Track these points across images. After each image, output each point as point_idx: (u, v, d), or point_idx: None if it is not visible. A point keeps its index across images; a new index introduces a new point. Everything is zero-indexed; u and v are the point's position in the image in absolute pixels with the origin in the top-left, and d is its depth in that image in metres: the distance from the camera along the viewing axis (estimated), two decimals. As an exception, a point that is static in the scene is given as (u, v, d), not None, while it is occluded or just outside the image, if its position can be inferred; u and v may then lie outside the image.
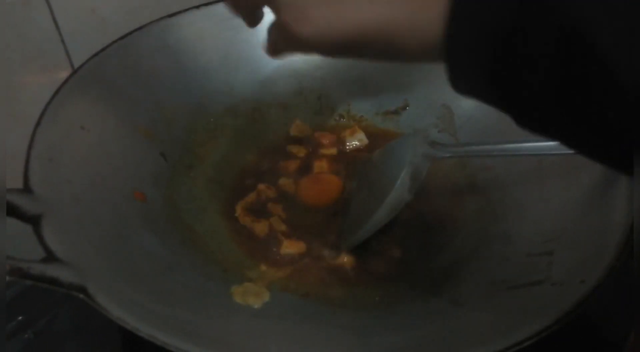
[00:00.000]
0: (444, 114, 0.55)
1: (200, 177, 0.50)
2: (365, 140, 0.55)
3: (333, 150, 0.54)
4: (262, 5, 0.33)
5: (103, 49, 0.48)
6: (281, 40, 0.33)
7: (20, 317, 0.44)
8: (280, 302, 0.38)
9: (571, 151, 0.26)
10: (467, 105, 0.53)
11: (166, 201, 0.45)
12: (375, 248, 0.44)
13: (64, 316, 0.44)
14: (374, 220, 0.40)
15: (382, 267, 0.43)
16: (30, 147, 0.39)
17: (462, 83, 0.26)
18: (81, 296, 0.30)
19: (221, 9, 0.55)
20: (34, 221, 0.33)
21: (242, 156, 0.53)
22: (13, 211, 0.33)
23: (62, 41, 0.52)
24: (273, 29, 0.34)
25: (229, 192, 0.50)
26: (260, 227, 0.46)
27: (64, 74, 0.46)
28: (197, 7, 0.54)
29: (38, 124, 0.41)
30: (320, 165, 0.52)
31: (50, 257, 0.31)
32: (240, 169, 0.52)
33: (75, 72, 0.46)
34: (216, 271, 0.40)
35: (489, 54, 0.24)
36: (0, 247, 0.28)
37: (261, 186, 0.49)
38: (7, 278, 0.28)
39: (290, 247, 0.44)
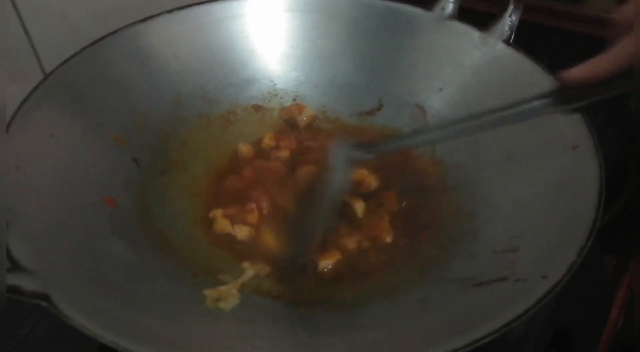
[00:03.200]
0: (417, 114, 0.55)
1: (173, 183, 0.50)
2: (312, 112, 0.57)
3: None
4: None
5: (73, 56, 0.48)
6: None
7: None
8: (251, 305, 0.38)
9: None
10: (439, 105, 0.54)
11: (137, 206, 0.45)
12: (347, 247, 0.44)
13: (43, 326, 0.44)
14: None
15: (354, 268, 0.43)
16: (-4, 155, 0.39)
17: None
18: (44, 304, 0.30)
19: (194, 13, 0.56)
20: (-2, 230, 0.33)
21: (216, 160, 0.53)
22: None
23: (33, 47, 0.52)
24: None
25: (203, 198, 0.50)
26: (242, 232, 0.46)
27: (35, 80, 0.46)
28: (170, 11, 0.54)
29: (6, 131, 0.41)
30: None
31: (13, 266, 0.31)
32: (215, 174, 0.52)
33: (44, 79, 0.46)
34: (187, 276, 0.40)
35: None
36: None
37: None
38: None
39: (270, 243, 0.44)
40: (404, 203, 0.48)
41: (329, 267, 0.43)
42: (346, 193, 0.46)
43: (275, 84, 0.59)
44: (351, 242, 0.44)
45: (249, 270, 0.43)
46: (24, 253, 0.33)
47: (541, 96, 0.36)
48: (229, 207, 0.47)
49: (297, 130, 0.57)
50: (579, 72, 0.34)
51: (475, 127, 0.40)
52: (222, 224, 0.46)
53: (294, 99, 0.59)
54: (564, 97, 0.36)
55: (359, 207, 0.47)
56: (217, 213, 0.47)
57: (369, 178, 0.50)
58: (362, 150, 0.43)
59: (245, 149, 0.54)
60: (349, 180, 0.44)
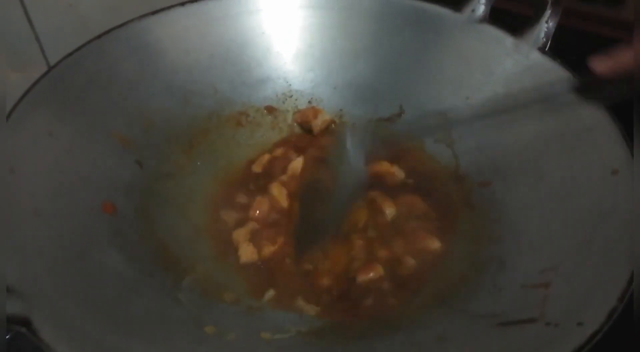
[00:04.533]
0: (441, 122, 0.51)
1: (178, 188, 0.47)
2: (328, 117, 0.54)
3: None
4: None
5: (77, 49, 0.45)
6: None
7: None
8: (253, 333, 0.35)
9: None
10: (465, 115, 0.50)
11: (139, 213, 0.42)
12: (358, 270, 0.41)
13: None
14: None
15: (365, 294, 0.40)
16: (-10, 156, 0.36)
17: None
18: (23, 330, 0.27)
19: (208, 6, 0.52)
20: (-18, 241, 0.31)
21: (226, 165, 0.51)
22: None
23: (37, 38, 0.49)
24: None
25: (211, 204, 0.47)
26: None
27: (39, 73, 0.43)
28: (182, 4, 0.51)
29: (1, 129, 0.38)
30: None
31: (-6, 283, 0.29)
32: (225, 180, 0.49)
33: (45, 74, 0.43)
34: (187, 294, 0.38)
35: None
36: None
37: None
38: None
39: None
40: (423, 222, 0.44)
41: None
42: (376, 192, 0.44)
43: (290, 85, 0.55)
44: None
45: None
46: (9, 268, 0.30)
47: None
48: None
49: (312, 135, 0.54)
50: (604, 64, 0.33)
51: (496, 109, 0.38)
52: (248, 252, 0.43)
53: (309, 102, 0.56)
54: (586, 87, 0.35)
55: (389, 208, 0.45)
56: (240, 236, 0.44)
57: (392, 169, 0.48)
58: (380, 137, 0.42)
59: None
60: (367, 169, 0.41)
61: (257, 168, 0.50)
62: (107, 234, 0.39)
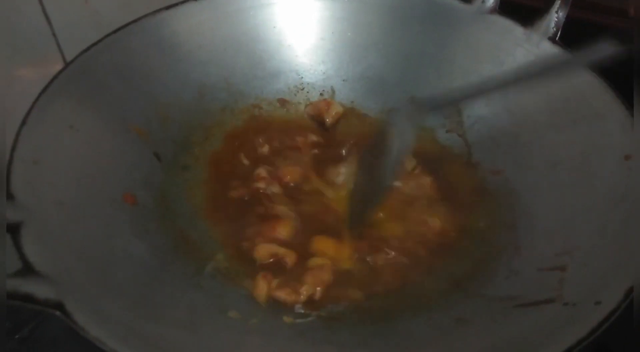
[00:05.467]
0: (452, 113, 0.52)
1: (195, 179, 0.47)
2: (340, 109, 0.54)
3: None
4: None
5: (95, 44, 0.46)
6: None
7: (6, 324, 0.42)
8: (275, 317, 0.36)
9: None
10: (476, 105, 0.50)
11: (158, 203, 0.43)
12: (379, 256, 0.42)
13: (50, 323, 0.42)
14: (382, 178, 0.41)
15: (385, 276, 0.40)
16: (13, 148, 0.37)
17: None
18: (57, 313, 0.28)
19: (220, 1, 0.53)
20: (13, 229, 0.31)
21: (241, 156, 0.51)
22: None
23: (54, 34, 0.50)
24: None
25: (227, 196, 0.47)
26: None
27: (55, 68, 0.44)
28: (196, -1, 0.52)
29: (24, 123, 0.39)
30: None
31: (27, 269, 0.29)
32: (240, 170, 0.50)
33: (64, 68, 0.44)
34: (208, 280, 0.38)
35: None
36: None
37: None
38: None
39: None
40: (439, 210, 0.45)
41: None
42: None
43: (302, 78, 0.56)
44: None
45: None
46: (38, 255, 0.31)
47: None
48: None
49: (324, 127, 0.54)
50: None
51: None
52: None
53: (320, 94, 0.56)
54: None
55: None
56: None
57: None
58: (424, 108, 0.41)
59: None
60: (413, 139, 0.42)
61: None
62: (129, 223, 0.39)
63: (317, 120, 0.55)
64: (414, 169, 0.49)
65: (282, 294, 0.38)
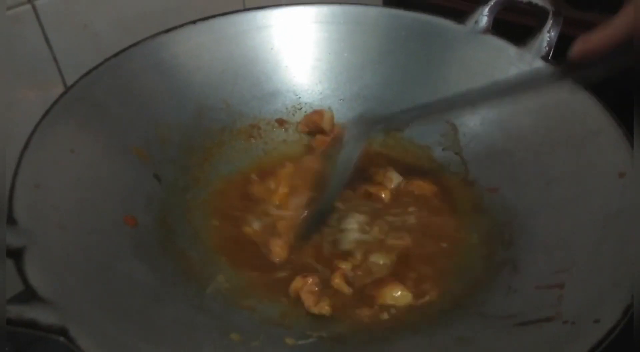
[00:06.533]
0: (448, 131, 0.53)
1: (196, 200, 0.48)
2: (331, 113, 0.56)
3: None
4: None
5: (95, 68, 0.47)
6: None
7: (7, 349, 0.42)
8: (277, 339, 0.36)
9: None
10: (472, 123, 0.51)
11: (159, 225, 0.43)
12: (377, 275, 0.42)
13: (52, 346, 0.42)
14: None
15: (385, 297, 0.40)
16: (16, 173, 0.37)
17: None
18: (61, 339, 0.28)
19: (219, 24, 0.54)
20: (16, 255, 0.32)
21: (240, 176, 0.52)
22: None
23: (54, 58, 0.50)
24: None
25: (227, 216, 0.48)
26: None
27: (56, 92, 0.44)
28: (194, 22, 0.53)
29: (25, 147, 0.39)
30: None
31: (30, 295, 0.30)
32: (239, 191, 0.50)
33: (65, 92, 0.44)
34: (209, 301, 0.39)
35: None
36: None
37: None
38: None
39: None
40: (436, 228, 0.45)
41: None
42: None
43: (299, 98, 0.57)
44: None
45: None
46: (41, 281, 0.31)
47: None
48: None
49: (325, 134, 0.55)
50: (583, 45, 0.35)
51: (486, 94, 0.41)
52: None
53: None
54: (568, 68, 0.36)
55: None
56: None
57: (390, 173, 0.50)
58: (378, 124, 0.45)
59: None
60: (360, 154, 0.45)
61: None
62: (130, 246, 0.39)
63: (317, 131, 0.55)
64: (400, 184, 0.50)
65: (308, 296, 0.40)
